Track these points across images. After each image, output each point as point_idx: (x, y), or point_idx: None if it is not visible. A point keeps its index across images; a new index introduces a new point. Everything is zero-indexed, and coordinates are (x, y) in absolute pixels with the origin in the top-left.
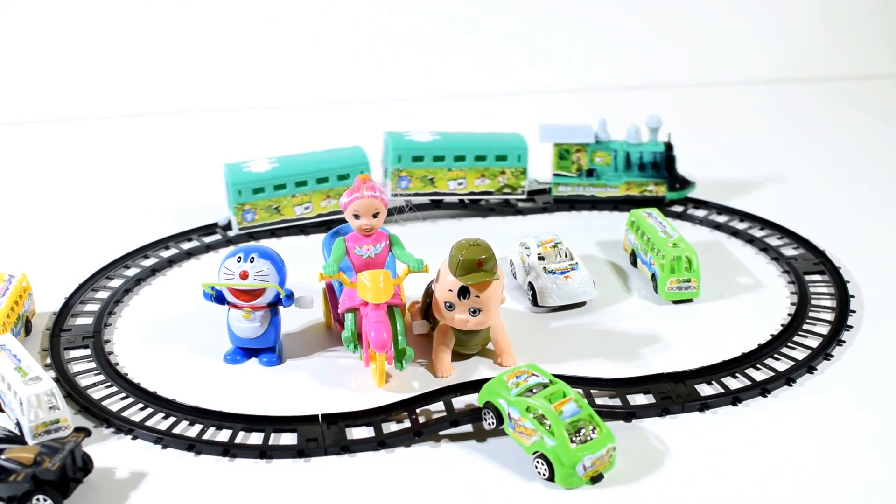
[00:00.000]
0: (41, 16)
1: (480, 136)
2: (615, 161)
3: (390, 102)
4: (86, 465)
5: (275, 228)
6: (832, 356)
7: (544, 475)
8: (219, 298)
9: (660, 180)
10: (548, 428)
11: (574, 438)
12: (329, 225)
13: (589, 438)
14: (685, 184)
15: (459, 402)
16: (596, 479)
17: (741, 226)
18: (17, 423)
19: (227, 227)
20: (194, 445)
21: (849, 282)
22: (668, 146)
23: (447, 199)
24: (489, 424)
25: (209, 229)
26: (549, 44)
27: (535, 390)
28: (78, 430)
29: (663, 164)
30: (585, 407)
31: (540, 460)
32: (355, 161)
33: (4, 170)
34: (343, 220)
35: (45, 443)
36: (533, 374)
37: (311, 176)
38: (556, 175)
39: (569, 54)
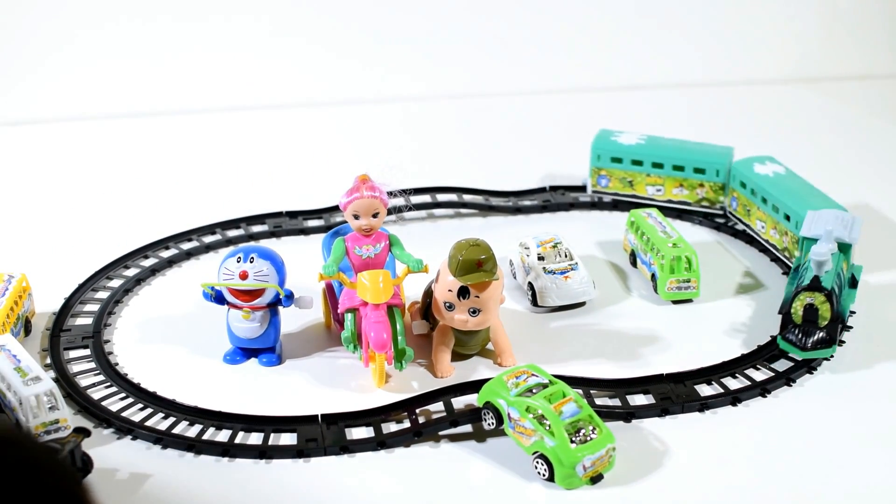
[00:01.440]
0: (41, 15)
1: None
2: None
3: (391, 102)
4: (85, 466)
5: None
6: (832, 357)
7: (544, 475)
8: (218, 299)
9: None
10: (548, 428)
11: (574, 439)
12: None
13: (589, 439)
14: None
15: (459, 402)
16: (596, 479)
17: (741, 226)
18: (17, 424)
19: (583, 187)
20: (194, 445)
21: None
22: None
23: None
24: (489, 424)
25: (209, 229)
26: (549, 44)
27: (534, 390)
28: (77, 430)
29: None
30: (585, 407)
31: (540, 460)
32: (714, 159)
33: (4, 170)
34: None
35: (48, 443)
36: (533, 375)
37: (668, 160)
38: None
39: (568, 54)
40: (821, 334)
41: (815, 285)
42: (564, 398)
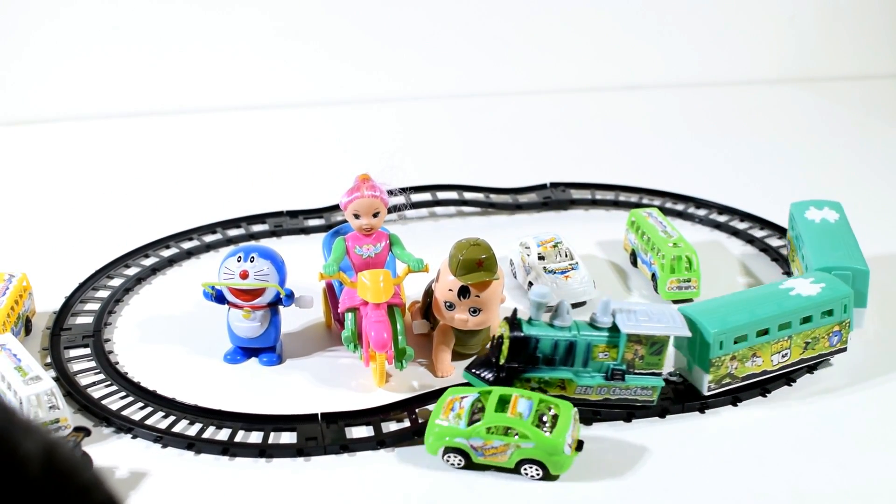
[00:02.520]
0: (41, 15)
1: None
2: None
3: (391, 102)
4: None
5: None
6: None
7: (538, 476)
8: (219, 298)
9: None
10: (517, 436)
11: (544, 428)
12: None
13: (554, 418)
14: None
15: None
16: (580, 446)
17: (742, 225)
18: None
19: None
20: (194, 444)
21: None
22: None
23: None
24: (458, 466)
25: (210, 229)
26: (549, 44)
27: (477, 411)
28: (77, 429)
29: None
30: (532, 394)
31: (527, 466)
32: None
33: (4, 170)
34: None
35: None
36: (462, 397)
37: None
38: None
39: (568, 54)
40: (490, 372)
41: (512, 320)
42: (513, 399)
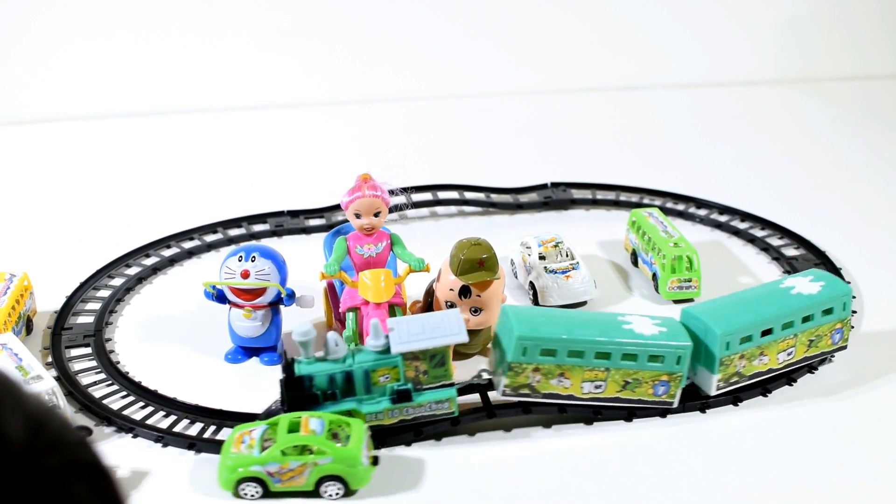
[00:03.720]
0: (41, 15)
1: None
2: None
3: (392, 102)
4: None
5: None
6: (832, 357)
7: (340, 494)
8: (220, 297)
9: None
10: (312, 452)
11: (339, 442)
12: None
13: (347, 435)
14: None
15: (460, 401)
16: (375, 461)
17: (742, 225)
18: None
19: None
20: (195, 444)
21: (849, 282)
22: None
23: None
24: (255, 496)
25: (211, 228)
26: (550, 44)
27: (268, 439)
28: (79, 429)
29: None
30: (322, 413)
31: (327, 484)
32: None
33: (6, 169)
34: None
35: None
36: (251, 430)
37: None
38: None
39: (567, 54)
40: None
41: (285, 363)
42: (303, 420)
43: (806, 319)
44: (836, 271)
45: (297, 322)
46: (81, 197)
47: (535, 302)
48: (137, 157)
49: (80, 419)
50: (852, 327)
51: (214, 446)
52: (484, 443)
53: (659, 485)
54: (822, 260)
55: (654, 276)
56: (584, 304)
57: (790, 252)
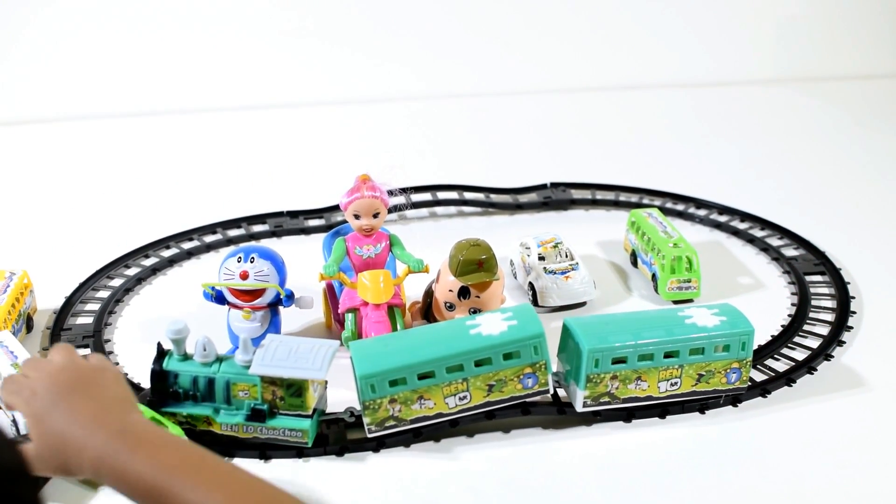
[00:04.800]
0: (40, 15)
1: None
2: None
3: (391, 102)
4: None
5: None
6: (832, 357)
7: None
8: (219, 298)
9: None
10: None
11: None
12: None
13: None
14: None
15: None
16: None
17: (742, 226)
18: (14, 421)
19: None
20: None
21: (849, 283)
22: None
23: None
24: None
25: (210, 229)
26: (549, 43)
27: None
28: None
29: None
30: (156, 415)
31: None
32: None
33: (6, 168)
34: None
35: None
36: None
37: None
38: None
39: (566, 54)
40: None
41: (158, 352)
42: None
43: (695, 352)
44: (836, 272)
45: (171, 321)
46: (81, 197)
47: (535, 303)
48: (137, 158)
49: None
50: (753, 367)
51: (213, 448)
52: (483, 444)
53: (658, 486)
54: (821, 260)
55: (654, 276)
56: (583, 304)
57: (790, 252)
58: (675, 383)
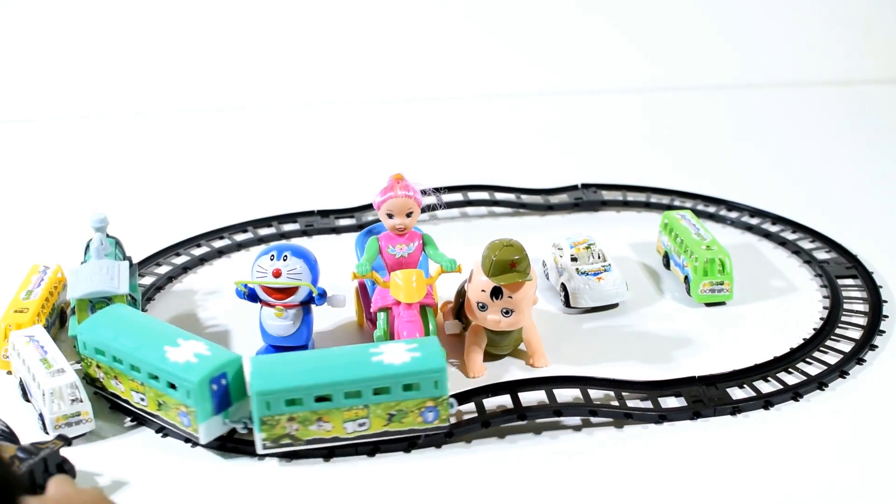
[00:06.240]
0: (89, 10)
1: None
2: None
3: (423, 102)
4: (64, 471)
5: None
6: (865, 361)
7: None
8: (251, 296)
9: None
10: None
11: None
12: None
13: None
14: None
15: (491, 403)
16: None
17: (773, 228)
18: (41, 415)
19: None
20: (223, 444)
21: (881, 287)
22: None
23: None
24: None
25: (241, 227)
26: (582, 45)
27: None
28: (59, 437)
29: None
30: None
31: None
32: None
33: (43, 163)
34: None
35: (25, 446)
36: None
37: None
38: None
39: (598, 55)
40: None
41: None
42: None
43: (380, 392)
44: (868, 275)
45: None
46: (114, 194)
47: (567, 304)
48: (170, 155)
49: (113, 417)
50: (452, 407)
51: (246, 447)
52: (515, 445)
53: (690, 487)
54: (853, 263)
55: (686, 278)
56: (615, 306)
57: (822, 255)
58: (364, 423)
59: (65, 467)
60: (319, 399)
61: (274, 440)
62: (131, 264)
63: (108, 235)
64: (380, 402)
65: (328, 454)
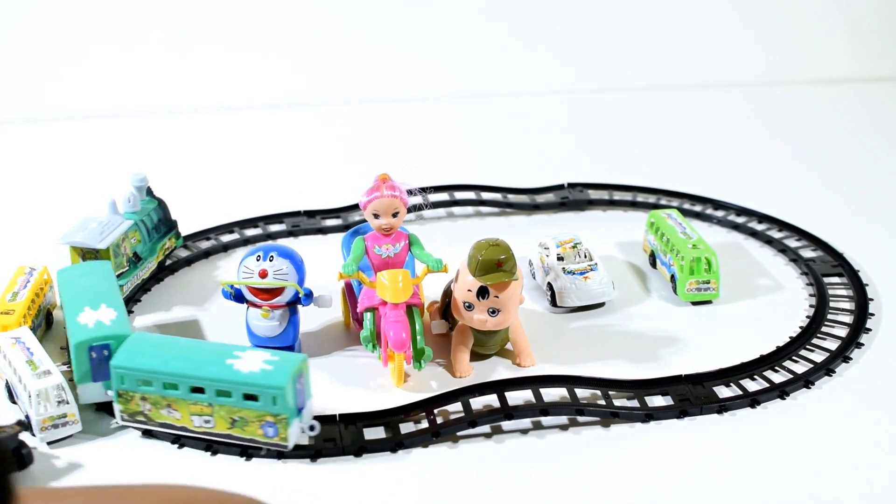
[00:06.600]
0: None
1: None
2: (144, 234)
3: (410, 101)
4: (21, 459)
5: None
6: (851, 359)
7: None
8: (238, 297)
9: (171, 233)
10: None
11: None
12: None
13: None
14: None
15: (477, 402)
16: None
17: (760, 227)
18: (27, 416)
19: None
20: (211, 446)
21: (867, 284)
22: (158, 199)
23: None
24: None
25: (227, 228)
26: (567, 44)
27: None
28: (18, 423)
29: (166, 216)
30: None
31: None
32: None
33: (27, 165)
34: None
35: None
36: None
37: None
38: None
39: (585, 54)
40: None
41: None
42: None
43: (222, 394)
44: (854, 273)
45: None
46: (99, 195)
47: (553, 303)
48: (154, 157)
49: (98, 419)
50: (313, 430)
51: (232, 448)
52: (501, 444)
53: (675, 485)
54: (839, 262)
55: (673, 277)
56: (602, 305)
57: (808, 254)
58: (209, 421)
59: (22, 451)
60: (168, 386)
61: (130, 415)
62: (172, 227)
63: (154, 197)
64: (223, 405)
65: (175, 440)
